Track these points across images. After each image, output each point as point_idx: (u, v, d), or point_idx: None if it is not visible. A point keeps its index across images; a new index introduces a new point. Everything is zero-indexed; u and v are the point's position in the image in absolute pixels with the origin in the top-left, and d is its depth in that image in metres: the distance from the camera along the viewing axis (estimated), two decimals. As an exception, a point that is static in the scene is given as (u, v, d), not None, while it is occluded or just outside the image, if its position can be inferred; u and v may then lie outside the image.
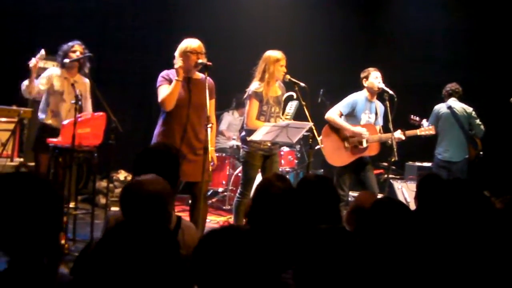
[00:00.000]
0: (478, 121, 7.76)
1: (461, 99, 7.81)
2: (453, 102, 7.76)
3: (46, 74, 6.08)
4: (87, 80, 6.23)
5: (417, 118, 7.55)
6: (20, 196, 1.97)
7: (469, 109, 7.75)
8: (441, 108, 7.79)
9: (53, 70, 6.16)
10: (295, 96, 5.97)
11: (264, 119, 5.96)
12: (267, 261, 1.82)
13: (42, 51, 5.95)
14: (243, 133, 6.13)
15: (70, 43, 6.06)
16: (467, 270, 2.68)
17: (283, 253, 2.43)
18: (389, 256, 2.50)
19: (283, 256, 2.41)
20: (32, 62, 5.84)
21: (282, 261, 2.36)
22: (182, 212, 6.41)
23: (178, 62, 5.21)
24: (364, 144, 6.60)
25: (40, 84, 5.99)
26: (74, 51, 6.03)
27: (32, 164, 6.36)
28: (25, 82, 5.93)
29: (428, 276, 2.57)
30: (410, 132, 6.70)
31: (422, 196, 4.05)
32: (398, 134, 6.53)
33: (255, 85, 5.97)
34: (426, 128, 6.87)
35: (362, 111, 6.65)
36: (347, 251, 2.06)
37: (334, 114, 6.64)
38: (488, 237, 2.90)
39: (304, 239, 2.13)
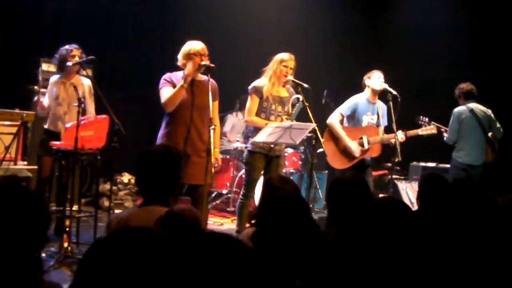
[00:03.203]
0: (497, 123, 7.68)
1: (478, 100, 7.75)
2: (474, 105, 7.62)
3: (48, 86, 6.17)
4: (87, 81, 6.23)
5: (426, 119, 7.48)
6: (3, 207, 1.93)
7: (489, 111, 7.64)
8: (462, 111, 7.60)
9: (53, 78, 6.22)
10: (301, 98, 5.95)
11: (264, 116, 5.97)
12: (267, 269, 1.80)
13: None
14: (246, 131, 6.15)
15: (67, 47, 6.05)
16: (470, 269, 2.66)
17: (290, 258, 2.42)
18: (391, 256, 2.48)
19: (291, 261, 2.40)
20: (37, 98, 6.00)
21: (290, 266, 2.35)
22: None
23: (188, 67, 5.19)
24: (366, 146, 6.59)
25: (47, 100, 6.09)
26: (73, 56, 6.02)
27: (35, 167, 6.38)
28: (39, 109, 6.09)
29: (430, 275, 2.55)
30: (411, 132, 6.67)
31: (424, 196, 4.03)
32: (400, 135, 6.50)
33: (258, 81, 6.01)
34: (427, 127, 6.82)
35: (364, 113, 6.64)
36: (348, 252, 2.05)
37: (335, 119, 6.63)
38: (492, 237, 2.88)
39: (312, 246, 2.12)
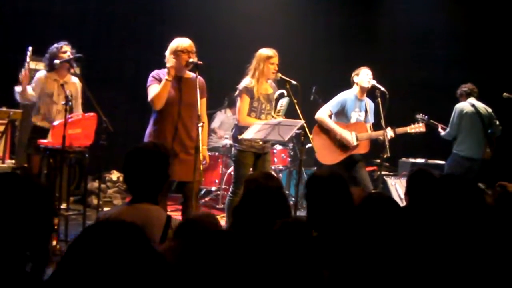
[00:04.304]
0: (497, 121, 7.83)
1: (478, 99, 7.85)
2: (475, 101, 7.80)
3: (36, 79, 6.06)
4: (76, 80, 6.21)
5: (426, 117, 7.50)
6: (8, 197, 1.94)
7: (489, 109, 7.82)
8: (464, 106, 7.79)
9: (41, 73, 6.14)
10: (285, 94, 5.97)
11: (255, 115, 5.96)
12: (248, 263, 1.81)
13: (29, 51, 5.94)
14: (234, 131, 6.13)
15: (57, 45, 6.03)
16: (458, 264, 2.67)
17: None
18: (379, 252, 2.49)
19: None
20: (22, 73, 5.84)
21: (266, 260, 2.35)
22: (175, 212, 6.40)
23: (170, 61, 5.19)
24: (354, 142, 6.60)
25: (32, 90, 5.99)
26: (64, 52, 6.00)
27: (24, 165, 6.34)
28: (18, 89, 5.93)
29: (418, 271, 2.56)
30: (400, 130, 6.69)
31: (412, 191, 4.04)
32: (389, 132, 6.52)
33: (246, 81, 5.98)
34: (416, 125, 6.84)
35: (352, 109, 6.65)
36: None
37: (323, 114, 6.65)
38: (480, 233, 2.90)
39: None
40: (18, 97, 6.04)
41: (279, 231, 2.13)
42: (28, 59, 5.93)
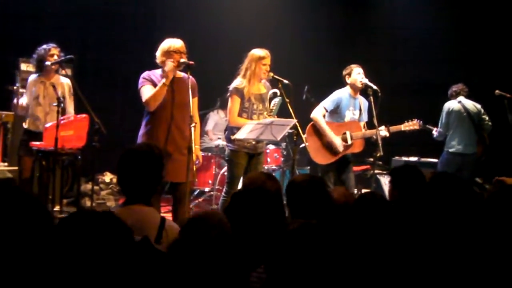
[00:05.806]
0: (486, 117, 7.86)
1: (468, 97, 7.89)
2: (463, 99, 7.85)
3: (27, 85, 6.09)
4: (66, 80, 6.19)
5: (420, 121, 7.45)
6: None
7: (478, 106, 7.85)
8: (451, 104, 7.87)
9: (31, 77, 6.16)
10: (279, 93, 5.97)
11: (246, 116, 5.96)
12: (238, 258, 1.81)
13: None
14: (227, 132, 6.13)
15: (45, 47, 6.02)
16: (451, 264, 2.68)
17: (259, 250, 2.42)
18: (372, 251, 2.50)
19: (258, 253, 2.40)
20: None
21: (257, 258, 2.36)
22: (168, 213, 6.38)
23: (168, 65, 5.18)
24: (349, 142, 6.61)
25: (26, 99, 6.02)
26: (52, 55, 6.00)
27: (16, 168, 6.32)
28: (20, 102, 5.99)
29: (410, 270, 2.57)
30: (394, 128, 6.71)
31: (398, 188, 4.03)
32: (384, 132, 6.54)
33: (237, 82, 5.98)
34: (410, 123, 6.85)
35: (347, 108, 6.66)
36: (319, 246, 2.06)
37: (319, 114, 6.63)
38: (473, 230, 2.91)
39: (276, 234, 2.13)
40: (20, 113, 6.13)
41: (297, 232, 2.13)
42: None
